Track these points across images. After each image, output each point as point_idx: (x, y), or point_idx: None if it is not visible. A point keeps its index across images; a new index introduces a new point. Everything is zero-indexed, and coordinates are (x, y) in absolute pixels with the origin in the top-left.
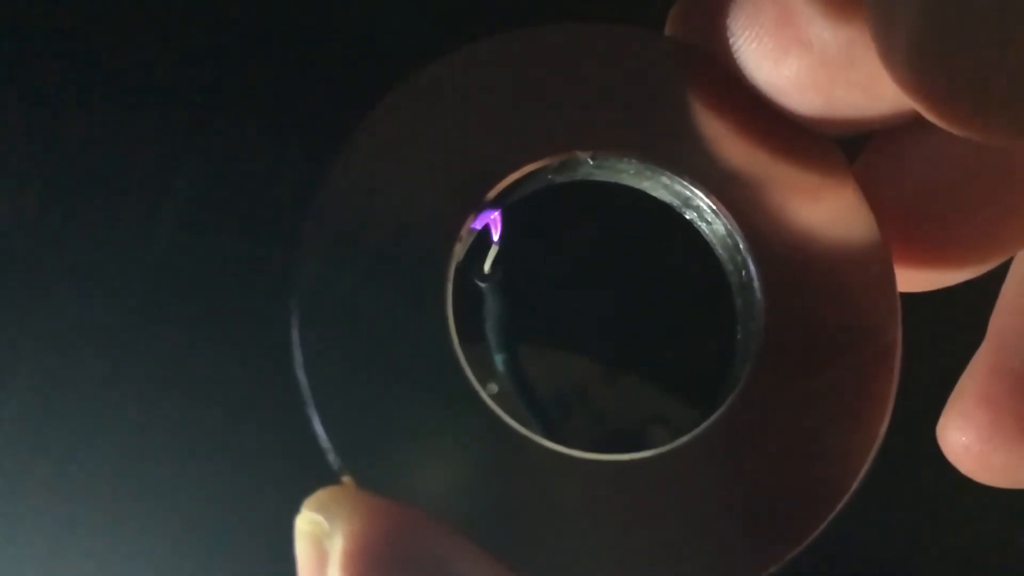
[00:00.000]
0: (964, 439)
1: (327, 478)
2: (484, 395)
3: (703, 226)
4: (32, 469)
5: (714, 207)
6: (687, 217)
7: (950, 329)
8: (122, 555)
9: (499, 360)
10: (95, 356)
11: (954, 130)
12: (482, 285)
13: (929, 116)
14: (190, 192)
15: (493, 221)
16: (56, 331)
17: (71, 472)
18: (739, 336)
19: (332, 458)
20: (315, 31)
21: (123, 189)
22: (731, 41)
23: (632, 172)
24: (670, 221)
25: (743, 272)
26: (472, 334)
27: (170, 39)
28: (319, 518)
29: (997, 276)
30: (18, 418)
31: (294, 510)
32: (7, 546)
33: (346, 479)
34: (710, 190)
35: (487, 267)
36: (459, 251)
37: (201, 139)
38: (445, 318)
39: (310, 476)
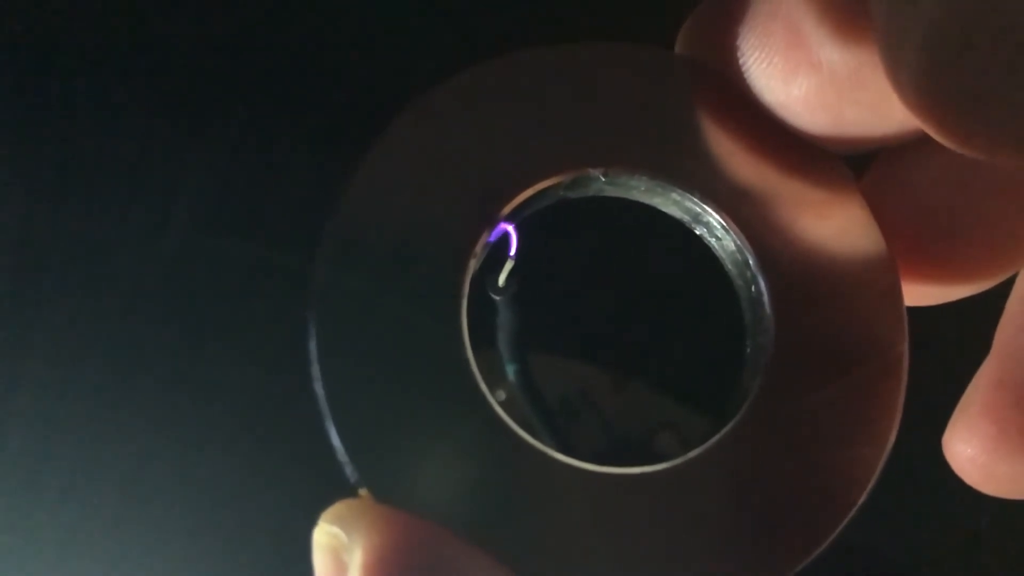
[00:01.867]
0: (969, 451)
1: (344, 485)
2: (500, 410)
3: (713, 242)
4: (40, 471)
5: (724, 223)
6: (697, 233)
7: (956, 342)
8: (131, 561)
9: (511, 370)
10: (105, 359)
11: (960, 149)
12: (496, 297)
13: (935, 136)
14: (201, 195)
15: (508, 235)
16: (65, 334)
17: (80, 473)
18: (748, 350)
19: (349, 471)
20: (333, 36)
21: (134, 191)
22: (741, 60)
23: (643, 188)
24: (682, 236)
25: (752, 287)
26: (481, 342)
27: (182, 40)
28: (337, 531)
29: (1003, 290)
30: (27, 420)
31: (310, 518)
32: (15, 549)
33: (363, 492)
34: (720, 206)
35: (502, 280)
36: (474, 266)
37: (212, 142)
38: (461, 333)
39: (326, 483)
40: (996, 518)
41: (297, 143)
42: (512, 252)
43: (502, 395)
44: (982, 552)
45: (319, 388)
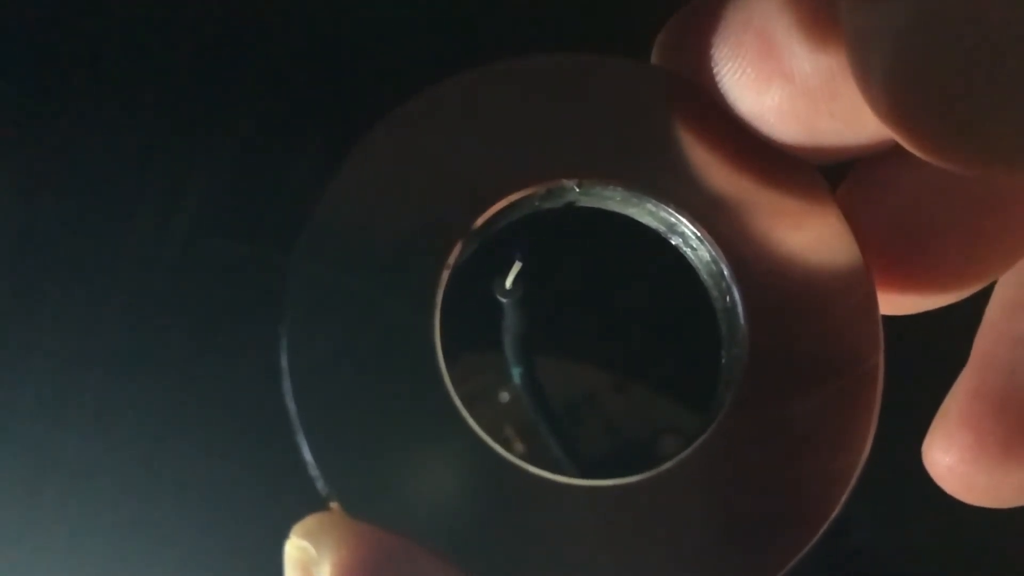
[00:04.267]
0: (948, 460)
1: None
2: (472, 423)
3: (688, 252)
4: (42, 472)
5: (698, 234)
6: (673, 243)
7: (935, 350)
8: (132, 563)
9: (516, 374)
10: (107, 361)
11: (931, 159)
12: (503, 301)
13: (907, 146)
14: (205, 197)
15: (518, 240)
16: (68, 336)
17: (82, 475)
18: (723, 361)
19: (320, 485)
20: (329, 40)
21: (137, 194)
22: (715, 71)
23: (618, 199)
24: (662, 245)
25: (727, 298)
26: (485, 345)
27: (184, 44)
28: (307, 544)
29: (982, 299)
30: (29, 421)
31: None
32: (16, 551)
33: (334, 505)
34: (694, 217)
35: (509, 283)
36: (447, 278)
37: (216, 144)
38: (434, 346)
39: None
40: (996, 518)
41: (301, 145)
42: (520, 256)
43: (506, 396)
44: (982, 552)
45: (290, 401)
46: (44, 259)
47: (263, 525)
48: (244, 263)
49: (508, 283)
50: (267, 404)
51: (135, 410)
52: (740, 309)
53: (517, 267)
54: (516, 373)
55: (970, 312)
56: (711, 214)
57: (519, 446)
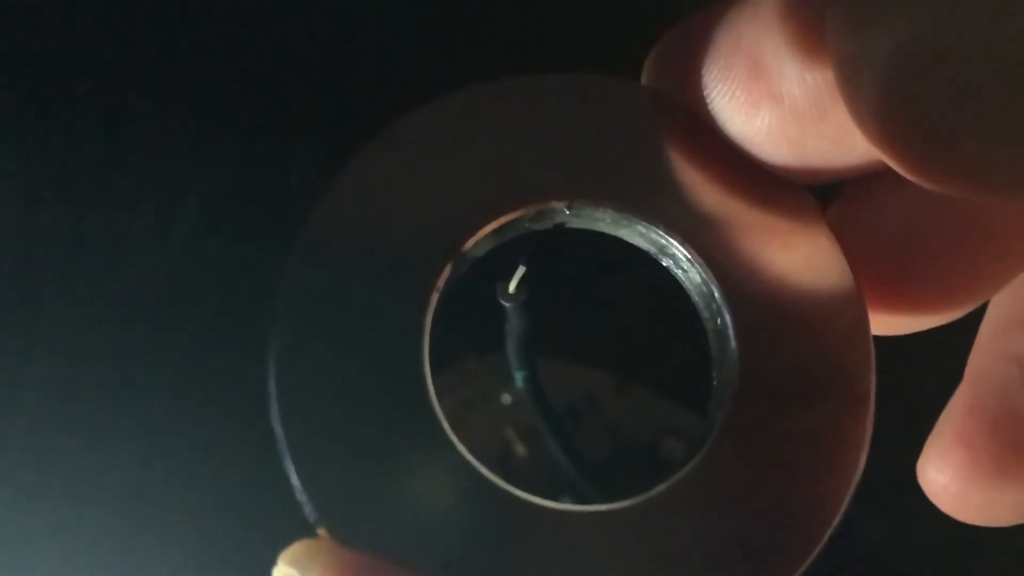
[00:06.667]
0: (943, 478)
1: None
2: (461, 448)
3: (679, 273)
4: (43, 472)
5: (689, 255)
6: (664, 264)
7: (931, 369)
8: (133, 563)
9: (520, 377)
10: (108, 362)
11: (920, 181)
12: (506, 305)
13: (896, 168)
14: (205, 198)
15: (522, 246)
16: (68, 336)
17: (83, 475)
18: (715, 383)
19: (308, 511)
20: (330, 44)
21: (138, 195)
22: (705, 92)
23: (608, 220)
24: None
25: (718, 319)
26: (485, 348)
27: (185, 46)
28: (294, 572)
29: (976, 318)
30: (30, 421)
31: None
32: (17, 551)
33: (321, 532)
34: (685, 238)
35: (512, 287)
36: (437, 301)
37: (217, 145)
38: (423, 371)
39: None
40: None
41: (302, 147)
42: (524, 261)
43: (508, 399)
44: (982, 552)
45: (278, 426)
46: (45, 260)
47: (263, 525)
48: (244, 264)
49: (511, 287)
50: (267, 406)
51: (135, 411)
52: (731, 330)
53: (520, 272)
54: (519, 376)
55: (966, 331)
56: (701, 236)
57: (521, 448)
